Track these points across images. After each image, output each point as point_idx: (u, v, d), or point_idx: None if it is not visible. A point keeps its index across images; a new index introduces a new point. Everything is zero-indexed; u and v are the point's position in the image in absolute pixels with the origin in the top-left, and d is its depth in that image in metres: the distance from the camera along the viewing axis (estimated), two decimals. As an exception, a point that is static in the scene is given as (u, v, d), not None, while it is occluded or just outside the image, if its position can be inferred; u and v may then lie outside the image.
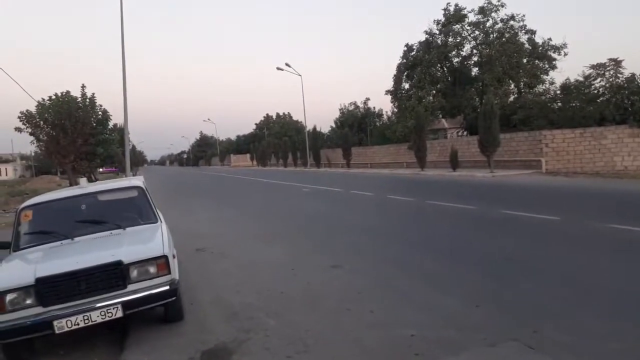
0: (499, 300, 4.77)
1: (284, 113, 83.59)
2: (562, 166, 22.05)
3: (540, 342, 3.73)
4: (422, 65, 34.11)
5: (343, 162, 40.36)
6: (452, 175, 23.11)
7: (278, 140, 62.73)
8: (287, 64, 44.58)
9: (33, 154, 48.82)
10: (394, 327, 4.25)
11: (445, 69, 35.68)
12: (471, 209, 10.98)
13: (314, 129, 47.84)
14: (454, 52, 34.51)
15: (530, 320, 4.16)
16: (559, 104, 26.77)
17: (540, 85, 32.04)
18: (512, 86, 33.59)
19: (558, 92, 30.35)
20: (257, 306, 5.12)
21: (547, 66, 31.85)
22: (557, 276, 5.42)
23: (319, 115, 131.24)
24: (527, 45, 31.88)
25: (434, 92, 33.96)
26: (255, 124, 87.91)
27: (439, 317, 4.39)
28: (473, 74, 34.60)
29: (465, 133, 34.73)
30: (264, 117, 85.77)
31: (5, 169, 75.41)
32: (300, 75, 46.02)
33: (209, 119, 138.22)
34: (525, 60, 31.67)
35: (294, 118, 79.81)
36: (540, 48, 31.66)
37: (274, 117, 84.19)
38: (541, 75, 31.73)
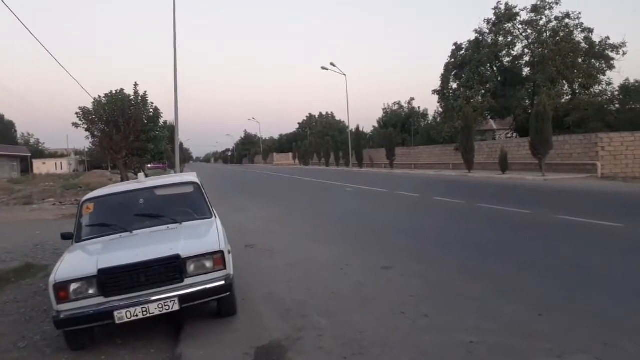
0: (564, 308, 4.52)
1: (327, 113, 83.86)
2: (619, 171, 20.96)
3: (612, 355, 3.49)
4: (471, 65, 33.25)
5: (386, 163, 39.95)
6: (502, 178, 22.43)
7: (320, 139, 62.93)
8: (332, 64, 44.66)
9: (86, 149, 51.10)
10: (451, 332, 4.10)
11: (495, 69, 34.66)
12: (525, 212, 10.57)
13: (357, 128, 47.59)
14: (504, 52, 33.44)
15: (600, 331, 3.91)
16: (617, 105, 25.55)
17: (597, 86, 30.56)
18: (566, 87, 32.21)
19: (616, 93, 28.99)
20: (308, 304, 5.08)
21: (604, 66, 30.30)
22: (627, 286, 5.10)
23: (362, 115, 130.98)
24: (583, 44, 30.48)
25: (483, 92, 33.02)
26: (298, 123, 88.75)
27: (500, 324, 4.20)
28: (524, 74, 33.43)
29: (514, 135, 33.66)
30: (307, 116, 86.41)
31: (61, 163, 79.02)
32: (344, 75, 46.00)
33: (253, 118, 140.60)
34: (580, 60, 30.28)
35: (337, 118, 80.00)
36: (598, 47, 30.18)
37: (317, 116, 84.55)
38: (598, 76, 30.23)
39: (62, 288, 4.06)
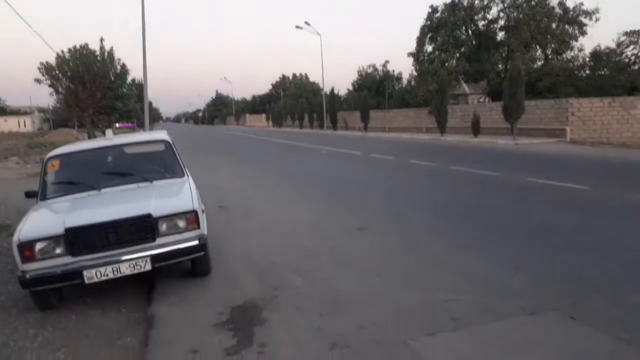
0: (535, 268, 4.61)
1: (300, 74, 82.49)
2: (587, 136, 21.42)
3: (582, 313, 3.58)
4: (446, 28, 33.00)
5: (360, 126, 39.81)
6: (474, 142, 22.67)
7: (294, 101, 62.09)
8: (306, 23, 43.54)
9: (51, 107, 49.19)
10: (427, 290, 4.14)
11: (470, 32, 34.52)
12: (496, 175, 10.72)
13: (332, 91, 47.01)
14: (480, 15, 33.29)
15: (569, 290, 4.01)
16: (588, 71, 25.91)
17: (569, 52, 30.96)
18: (539, 52, 32.46)
19: (587, 59, 29.37)
20: (284, 265, 5.05)
21: (577, 32, 30.62)
22: (594, 247, 5.23)
23: (337, 77, 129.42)
24: (557, 10, 30.58)
25: (458, 55, 32.98)
26: (272, 84, 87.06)
27: (475, 283, 4.26)
28: (499, 38, 33.44)
29: (487, 99, 33.92)
30: (280, 77, 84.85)
31: (24, 121, 76.08)
32: (319, 35, 45.02)
33: (225, 78, 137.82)
34: (554, 25, 30.45)
35: (311, 79, 78.83)
36: (571, 13, 30.35)
37: (291, 77, 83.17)
38: (570, 42, 30.55)
39: (27, 247, 3.90)
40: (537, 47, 31.62)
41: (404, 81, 51.89)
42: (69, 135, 40.71)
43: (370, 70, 56.30)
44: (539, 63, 32.06)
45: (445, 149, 19.84)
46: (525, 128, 23.00)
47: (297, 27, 44.32)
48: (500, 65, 32.77)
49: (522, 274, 4.46)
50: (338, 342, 3.31)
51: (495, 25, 33.58)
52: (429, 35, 35.17)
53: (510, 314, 3.63)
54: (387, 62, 55.39)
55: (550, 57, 31.60)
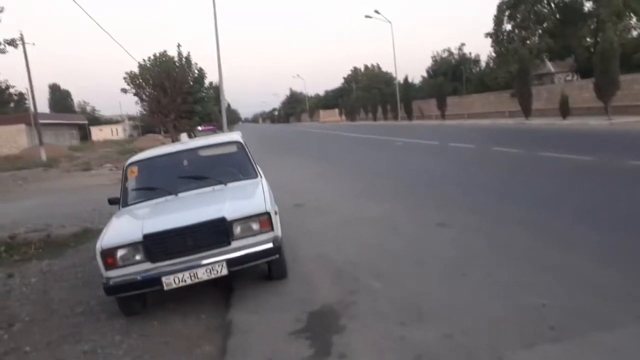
0: (637, 263, 4.03)
1: (372, 65, 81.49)
2: (697, 110, 19.14)
3: None
4: (526, 3, 30.86)
5: (437, 114, 38.58)
6: (562, 124, 21.05)
7: (367, 93, 61.50)
8: (376, 11, 42.89)
9: (139, 114, 52.51)
10: (519, 294, 3.73)
11: (552, 6, 32.04)
12: (590, 160, 9.77)
13: (405, 79, 45.92)
14: (563, -15, 30.80)
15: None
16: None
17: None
18: (635, 20, 29.46)
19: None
20: (361, 265, 4.83)
21: (679, -5, 27.36)
22: None
23: (410, 65, 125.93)
24: (654, -29, 27.51)
25: (540, 32, 30.79)
26: (344, 77, 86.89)
27: (574, 285, 3.78)
28: (586, 9, 30.76)
29: (575, 77, 31.40)
30: (352, 70, 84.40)
31: (116, 129, 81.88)
32: (390, 22, 44.14)
33: (298, 75, 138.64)
34: (651, -11, 27.43)
35: (383, 69, 77.52)
36: (672, -27, 27.18)
37: (362, 69, 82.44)
38: (671, 6, 27.38)
39: (109, 254, 4.00)
40: (632, 15, 28.68)
41: (482, 64, 49.50)
42: (156, 140, 43.18)
43: (445, 54, 54.25)
44: (635, 33, 29.11)
45: (531, 134, 18.58)
46: (620, 106, 20.99)
47: (366, 16, 43.84)
48: (588, 39, 30.16)
49: (633, 274, 3.90)
50: (423, 353, 3.04)
51: (582, -5, 30.93)
52: (507, 13, 33.10)
53: (623, 321, 3.15)
54: (462, 45, 53.38)
55: (648, 25, 28.58)
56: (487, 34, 34.82)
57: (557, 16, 31.46)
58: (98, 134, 75.12)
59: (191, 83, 22.40)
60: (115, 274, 4.02)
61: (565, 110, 22.74)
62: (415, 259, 4.88)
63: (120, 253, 4.02)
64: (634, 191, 6.88)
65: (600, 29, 25.81)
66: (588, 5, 30.68)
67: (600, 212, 5.87)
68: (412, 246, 5.31)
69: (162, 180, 5.17)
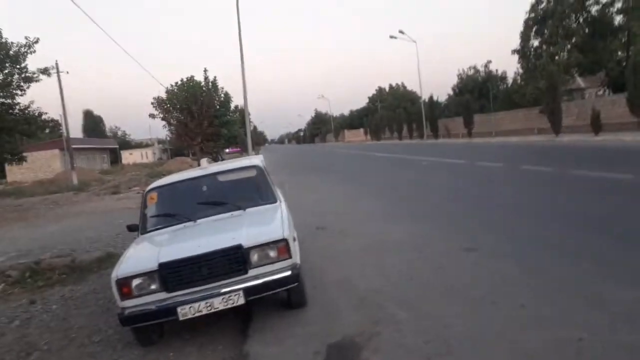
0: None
1: (397, 84, 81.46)
2: None
3: None
4: (554, 18, 30.42)
5: (464, 132, 38.09)
6: (595, 141, 20.39)
7: (392, 112, 61.31)
8: (400, 31, 42.97)
9: (167, 137, 53.66)
10: (555, 326, 3.46)
11: (581, 20, 31.46)
12: (626, 178, 9.31)
13: (430, 97, 45.75)
14: (592, 0, 30.22)
15: None
16: None
17: None
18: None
19: None
20: (384, 293, 4.62)
21: None
22: None
23: (435, 83, 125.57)
24: (688, -18, 26.75)
25: (569, 47, 30.19)
26: (368, 97, 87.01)
27: (612, 315, 3.49)
28: (616, 22, 30.07)
29: (607, 92, 30.57)
30: (377, 89, 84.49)
31: (146, 152, 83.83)
32: (414, 42, 44.14)
33: (322, 96, 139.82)
34: (685, 0, 26.64)
35: (408, 88, 77.39)
36: None
37: (387, 88, 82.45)
38: None
39: (124, 284, 3.91)
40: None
41: (509, 80, 48.82)
42: (184, 162, 43.88)
43: (471, 72, 53.82)
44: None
45: (562, 151, 18.04)
46: (657, 120, 20.22)
47: (391, 37, 43.95)
48: (620, 53, 29.41)
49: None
50: (450, 394, 2.81)
51: (612, 9, 30.27)
52: (534, 29, 32.73)
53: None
54: (489, 62, 52.66)
55: (682, 37, 27.66)
56: (514, 51, 34.44)
57: (586, 30, 30.85)
58: (128, 157, 77.01)
59: (217, 107, 22.71)
60: (131, 304, 3.92)
61: (597, 126, 22.08)
62: (442, 286, 4.64)
63: (135, 282, 3.92)
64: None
65: (632, 43, 25.14)
66: (618, 19, 30.04)
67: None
68: (439, 272, 5.07)
69: (180, 206, 5.11)
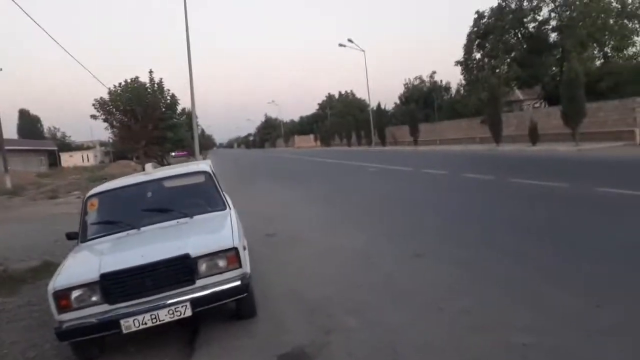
0: (624, 299, 3.93)
1: (346, 92, 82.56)
2: (659, 137, 19.80)
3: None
4: (495, 33, 31.90)
5: (410, 140, 39.07)
6: (532, 150, 21.49)
7: (341, 119, 62.05)
8: (349, 40, 43.61)
9: (110, 140, 51.63)
10: (499, 331, 3.58)
11: (520, 36, 33.17)
12: (562, 187, 9.85)
13: (378, 106, 46.61)
14: (529, 17, 31.93)
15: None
16: (655, 67, 24.07)
17: (631, 48, 28.98)
18: (597, 51, 30.66)
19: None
20: (335, 301, 4.62)
21: (638, 27, 28.66)
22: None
23: (383, 92, 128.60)
24: (614, 4, 28.81)
25: (509, 61, 31.71)
26: (318, 104, 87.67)
27: (555, 320, 3.64)
28: (551, 39, 31.91)
29: (543, 104, 32.31)
30: (326, 96, 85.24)
31: (87, 155, 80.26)
32: (363, 51, 44.92)
33: (273, 101, 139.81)
34: (612, 21, 28.68)
35: (357, 96, 78.59)
36: (630, 6, 28.51)
37: (337, 96, 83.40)
38: (631, 37, 28.63)
39: (62, 296, 3.69)
40: (595, 45, 29.88)
41: (453, 91, 50.64)
42: (127, 166, 42.38)
43: (417, 82, 55.41)
44: (598, 62, 30.26)
45: (502, 160, 18.87)
46: (587, 132, 21.60)
47: (340, 45, 44.51)
48: (554, 68, 31.23)
49: (611, 306, 3.79)
50: (399, 402, 2.84)
51: (547, 27, 32.10)
52: (476, 42, 34.18)
53: (607, 362, 3.02)
54: (434, 72, 54.39)
55: (610, 55, 29.75)
56: (457, 62, 35.77)
57: (525, 46, 32.51)
58: (68, 160, 73.39)
59: (163, 109, 22.08)
60: (69, 317, 3.70)
61: (534, 136, 23.26)
62: (391, 292, 4.70)
63: (75, 294, 3.71)
64: (613, 220, 6.90)
65: (566, 59, 26.74)
66: (553, 36, 31.87)
67: (582, 242, 5.79)
68: (389, 279, 5.13)
69: (123, 213, 4.89)
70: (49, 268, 7.39)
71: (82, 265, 4.14)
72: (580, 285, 4.37)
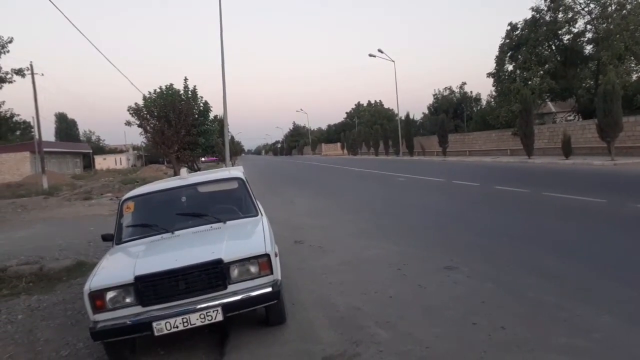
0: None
1: (375, 101, 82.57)
2: (701, 153, 19.04)
3: None
4: (527, 45, 31.28)
5: (438, 150, 38.65)
6: (566, 164, 20.95)
7: (369, 128, 61.90)
8: (380, 50, 43.53)
9: (143, 144, 52.77)
10: (536, 350, 3.48)
11: (554, 48, 32.48)
12: (599, 202, 9.55)
13: (407, 115, 46.39)
14: (564, 29, 31.22)
15: None
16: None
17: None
18: (634, 64, 29.73)
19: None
20: (364, 312, 4.57)
21: (677, 40, 27.67)
22: None
23: (412, 102, 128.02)
24: (653, 17, 27.91)
25: (542, 73, 31.06)
26: (346, 112, 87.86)
27: (593, 341, 3.53)
28: (587, 52, 31.16)
29: (577, 117, 31.52)
30: (355, 105, 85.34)
31: (120, 158, 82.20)
32: (393, 61, 44.76)
33: (301, 109, 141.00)
34: (651, 34, 27.77)
35: (386, 106, 78.61)
36: (670, 19, 27.58)
37: (365, 105, 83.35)
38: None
39: (98, 296, 3.77)
40: (632, 58, 28.99)
41: (483, 102, 49.95)
42: (159, 170, 43.18)
43: (446, 92, 54.91)
44: (635, 76, 29.37)
45: (535, 173, 18.44)
46: (623, 147, 20.97)
47: (370, 55, 44.47)
48: (589, 81, 30.45)
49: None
50: (433, 418, 2.78)
51: (582, 39, 31.33)
52: (509, 54, 33.61)
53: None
54: (464, 83, 53.90)
55: (647, 68, 28.83)
56: (489, 74, 35.22)
57: (559, 58, 31.82)
58: (102, 162, 75.38)
59: (196, 115, 22.40)
60: (104, 318, 3.77)
61: (567, 149, 22.69)
62: (422, 305, 4.63)
63: (109, 295, 3.78)
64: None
65: (601, 72, 26.06)
66: (589, 49, 31.11)
67: (620, 261, 5.60)
68: (419, 291, 5.06)
69: (158, 217, 4.97)
70: (82, 268, 7.59)
71: (117, 267, 4.22)
72: (611, 304, 4.22)
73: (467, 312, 4.32)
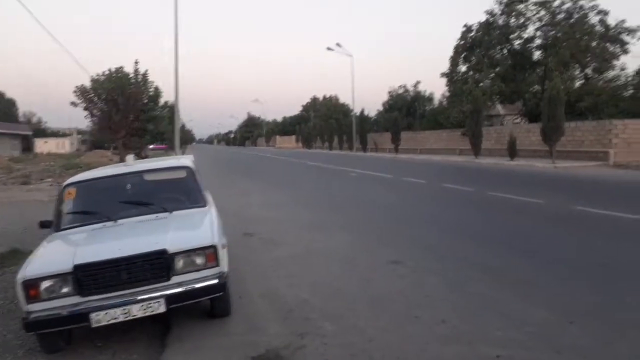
0: (598, 316, 4.01)
1: (330, 95, 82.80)
2: (632, 159, 20.30)
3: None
4: (481, 47, 32.34)
5: (391, 147, 39.31)
6: (510, 165, 21.84)
7: (324, 122, 62.13)
8: (338, 44, 43.76)
9: (88, 128, 50.59)
10: (473, 342, 3.60)
11: (505, 52, 33.70)
12: (539, 203, 10.02)
13: (362, 112, 46.93)
14: (515, 34, 32.46)
15: (646, 347, 3.41)
16: (631, 91, 24.73)
17: (611, 71, 29.70)
18: (579, 71, 31.35)
19: (630, 78, 28.18)
20: (312, 304, 4.58)
21: (619, 50, 29.41)
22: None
23: (367, 99, 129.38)
24: (598, 27, 29.52)
25: (493, 75, 32.16)
26: (302, 105, 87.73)
27: (527, 334, 3.69)
28: (535, 57, 32.53)
29: (523, 120, 32.89)
30: (311, 99, 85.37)
31: (63, 142, 78.40)
32: (350, 56, 45.08)
33: (257, 100, 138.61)
34: (594, 44, 29.36)
35: (341, 101, 78.86)
36: (613, 30, 29.24)
37: (321, 99, 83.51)
38: (612, 60, 29.36)
39: (32, 285, 3.57)
40: (577, 66, 30.54)
41: (436, 102, 51.19)
42: (103, 156, 41.57)
43: (401, 91, 55.81)
44: (579, 83, 30.95)
45: (481, 173, 19.12)
46: (564, 150, 22.06)
47: (328, 48, 44.60)
48: (537, 86, 31.82)
49: (582, 321, 3.85)
50: (373, 409, 2.82)
51: (532, 45, 32.68)
52: (462, 55, 34.56)
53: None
54: (418, 82, 54.77)
55: (590, 76, 30.45)
56: (443, 74, 36.11)
57: (509, 62, 33.03)
58: (42, 146, 71.58)
59: (146, 101, 21.72)
60: (38, 308, 3.58)
61: (513, 151, 23.63)
62: (368, 298, 4.69)
63: (45, 284, 3.59)
64: (589, 237, 7.04)
65: (548, 77, 27.27)
66: (537, 54, 32.47)
67: (557, 258, 5.86)
68: (366, 284, 5.12)
69: (101, 204, 4.77)
70: (16, 256, 7.18)
71: (55, 255, 4.01)
72: (547, 299, 4.43)
73: (411, 305, 4.42)
